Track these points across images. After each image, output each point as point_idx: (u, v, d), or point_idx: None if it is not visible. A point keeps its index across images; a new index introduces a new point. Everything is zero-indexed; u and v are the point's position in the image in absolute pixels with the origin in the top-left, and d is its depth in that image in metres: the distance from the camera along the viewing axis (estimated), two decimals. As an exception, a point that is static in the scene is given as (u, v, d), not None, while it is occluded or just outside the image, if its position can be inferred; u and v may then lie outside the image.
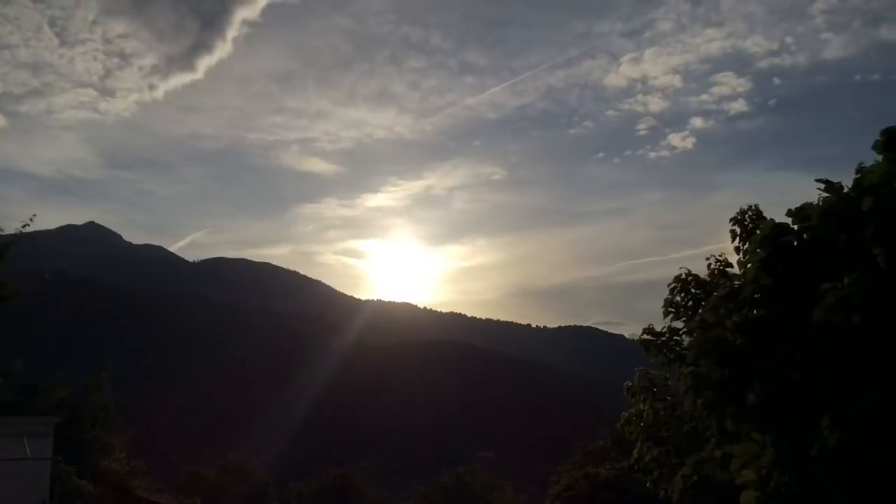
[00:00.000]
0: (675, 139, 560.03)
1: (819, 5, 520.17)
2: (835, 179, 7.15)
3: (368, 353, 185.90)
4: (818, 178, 7.39)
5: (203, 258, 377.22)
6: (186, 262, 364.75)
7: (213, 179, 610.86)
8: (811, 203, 7.49)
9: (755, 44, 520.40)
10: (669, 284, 12.68)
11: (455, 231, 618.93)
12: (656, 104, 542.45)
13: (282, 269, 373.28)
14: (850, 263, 6.53)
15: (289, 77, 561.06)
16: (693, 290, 12.47)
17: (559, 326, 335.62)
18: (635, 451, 14.04)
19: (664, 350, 13.13)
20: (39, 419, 21.98)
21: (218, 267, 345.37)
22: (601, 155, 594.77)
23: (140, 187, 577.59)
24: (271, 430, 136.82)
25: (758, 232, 8.55)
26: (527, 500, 55.47)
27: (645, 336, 13.51)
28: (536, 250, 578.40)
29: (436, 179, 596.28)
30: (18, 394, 25.41)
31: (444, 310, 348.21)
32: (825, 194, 7.30)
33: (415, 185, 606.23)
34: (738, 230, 10.83)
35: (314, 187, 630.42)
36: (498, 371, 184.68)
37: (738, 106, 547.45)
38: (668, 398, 13.79)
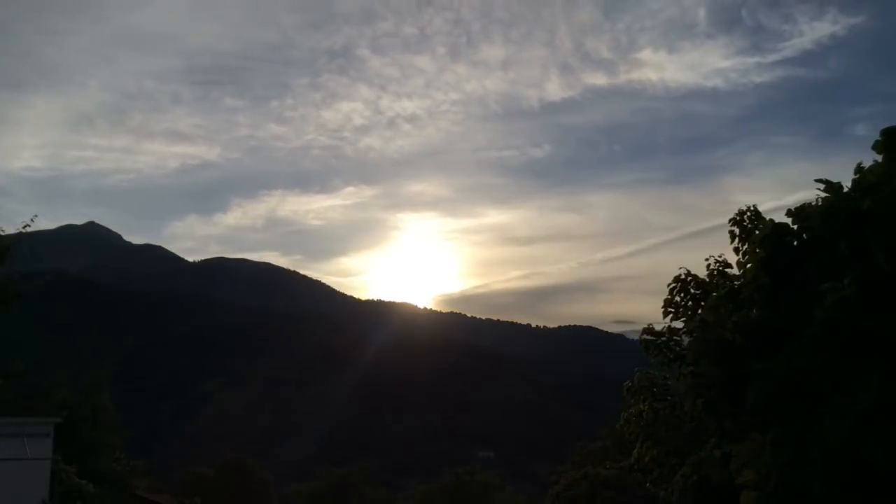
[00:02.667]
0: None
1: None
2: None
3: (368, 353, 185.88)
4: (818, 178, 7.40)
5: (203, 258, 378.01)
6: (186, 261, 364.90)
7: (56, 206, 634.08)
8: (811, 203, 7.49)
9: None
10: (669, 284, 12.68)
11: (326, 246, 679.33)
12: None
13: (282, 269, 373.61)
14: (850, 263, 6.53)
15: (74, 123, 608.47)
16: (692, 291, 12.47)
17: (559, 326, 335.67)
18: (635, 451, 14.04)
19: (664, 350, 13.14)
20: (39, 419, 21.90)
21: (218, 267, 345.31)
22: (416, 175, 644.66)
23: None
24: (271, 429, 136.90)
25: (757, 232, 8.56)
26: (527, 500, 55.47)
27: (645, 336, 13.52)
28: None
29: (275, 202, 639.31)
30: (18, 394, 25.41)
31: (444, 309, 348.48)
32: (825, 194, 7.31)
33: (259, 206, 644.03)
34: (736, 231, 10.82)
35: (174, 206, 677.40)
36: (498, 371, 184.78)
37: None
38: (668, 398, 13.78)
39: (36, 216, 22.55)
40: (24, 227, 22.22)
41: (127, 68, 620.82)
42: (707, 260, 12.40)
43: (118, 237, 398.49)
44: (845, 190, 7.12)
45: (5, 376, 25.16)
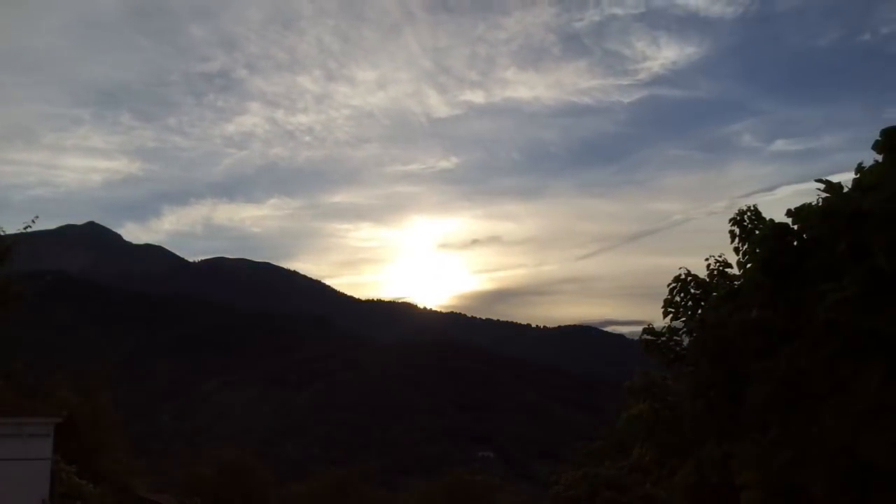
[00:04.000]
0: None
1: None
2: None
3: (368, 353, 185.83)
4: (818, 178, 7.40)
5: (203, 258, 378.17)
6: (186, 262, 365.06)
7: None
8: (811, 203, 7.49)
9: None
10: (669, 284, 12.66)
11: (277, 252, 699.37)
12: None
13: (282, 269, 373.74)
14: (850, 263, 6.53)
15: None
16: (692, 291, 12.45)
17: (559, 326, 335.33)
18: (635, 452, 14.04)
19: (664, 350, 13.12)
20: (39, 419, 21.90)
21: (218, 267, 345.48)
22: (331, 187, 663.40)
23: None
24: (271, 429, 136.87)
25: (757, 233, 8.56)
26: (527, 500, 55.42)
27: (645, 336, 13.50)
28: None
29: (207, 210, 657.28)
30: (18, 394, 25.41)
31: (444, 310, 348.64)
32: (825, 194, 7.30)
33: (193, 213, 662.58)
34: (737, 231, 10.79)
35: (116, 214, 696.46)
36: (498, 371, 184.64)
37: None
38: (668, 398, 13.76)
39: (37, 217, 22.62)
40: (25, 227, 22.27)
41: (20, 92, 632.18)
42: (707, 260, 12.38)
43: (118, 237, 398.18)
44: (845, 190, 7.11)
45: (5, 376, 25.22)
